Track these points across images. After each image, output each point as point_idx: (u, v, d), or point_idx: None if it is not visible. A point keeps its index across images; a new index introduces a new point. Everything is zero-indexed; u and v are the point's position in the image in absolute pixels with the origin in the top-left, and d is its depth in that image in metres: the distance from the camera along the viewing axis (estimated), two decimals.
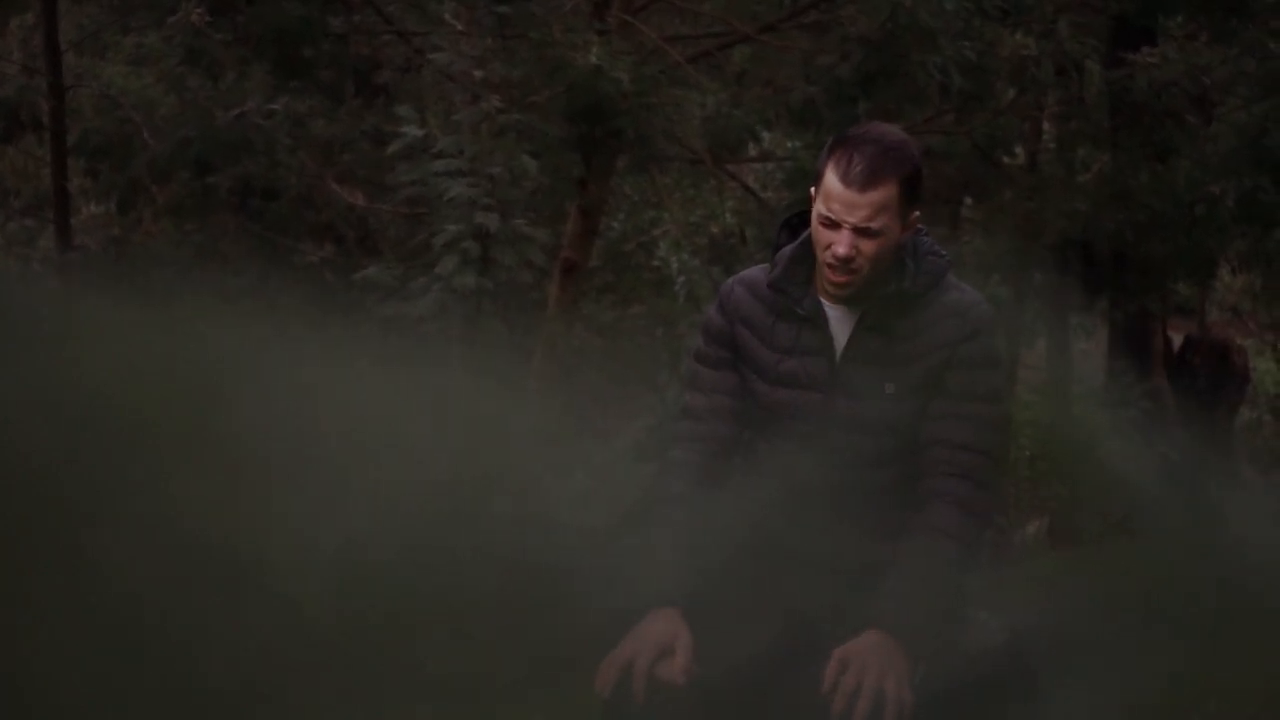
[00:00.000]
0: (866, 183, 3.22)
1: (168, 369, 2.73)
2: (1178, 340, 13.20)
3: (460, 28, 9.24)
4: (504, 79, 8.37)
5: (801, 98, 9.14)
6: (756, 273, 3.48)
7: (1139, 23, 11.06)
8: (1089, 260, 10.97)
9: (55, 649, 2.43)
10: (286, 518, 2.67)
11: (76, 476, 2.53)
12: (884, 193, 3.23)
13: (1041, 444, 13.68)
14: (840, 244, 3.25)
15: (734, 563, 3.31)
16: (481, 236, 7.30)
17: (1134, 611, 5.24)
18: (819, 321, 3.36)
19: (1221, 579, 5.18)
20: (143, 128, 10.58)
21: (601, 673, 3.18)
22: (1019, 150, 12.70)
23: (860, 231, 3.24)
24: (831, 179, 3.25)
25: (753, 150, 10.81)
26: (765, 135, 10.99)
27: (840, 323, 3.36)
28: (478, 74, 8.23)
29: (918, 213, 3.34)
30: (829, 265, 3.28)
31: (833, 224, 3.25)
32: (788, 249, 3.40)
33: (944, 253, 3.42)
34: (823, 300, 3.36)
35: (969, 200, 12.52)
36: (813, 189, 3.31)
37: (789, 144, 11.55)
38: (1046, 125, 12.82)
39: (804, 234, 3.37)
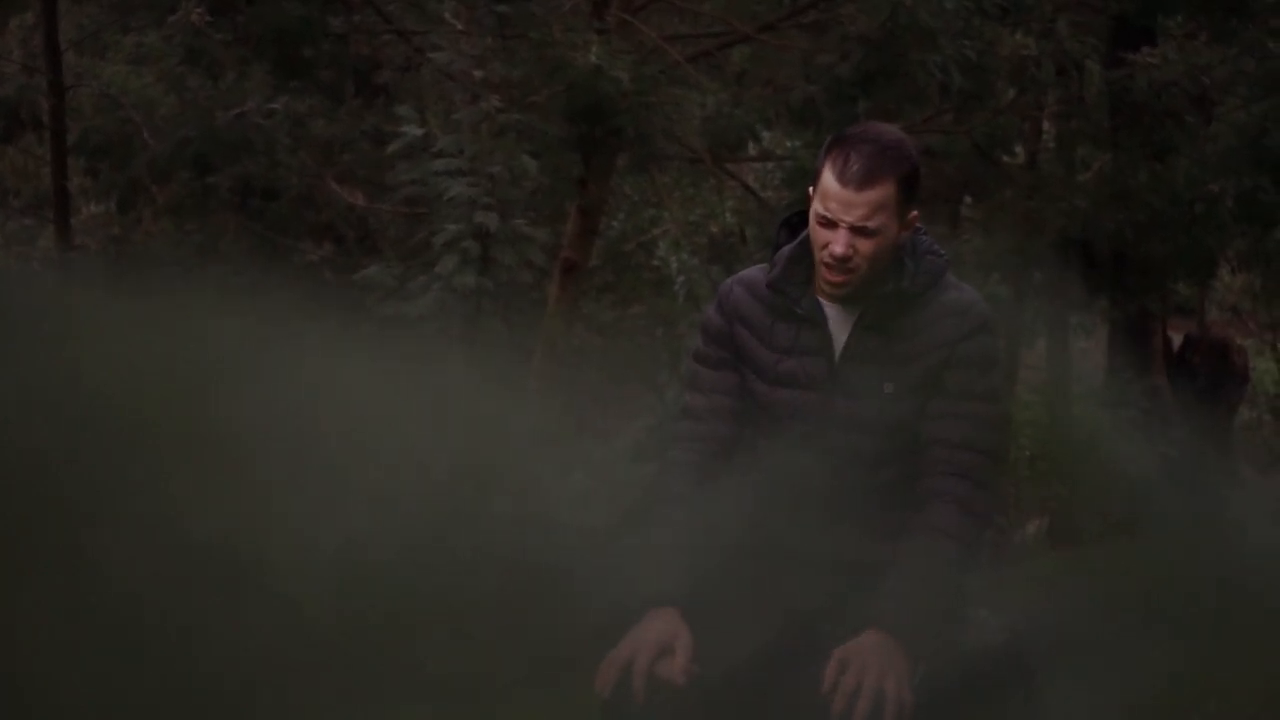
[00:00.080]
0: (863, 182, 3.22)
1: (168, 368, 2.73)
2: (1177, 340, 13.20)
3: (460, 27, 9.24)
4: (504, 78, 8.37)
5: (801, 97, 9.14)
6: (755, 273, 3.48)
7: (1139, 22, 11.05)
8: (1089, 259, 10.96)
9: (56, 647, 2.43)
10: (287, 517, 2.67)
11: (77, 475, 2.53)
12: (881, 192, 3.23)
13: (1041, 443, 13.68)
14: (837, 243, 3.25)
15: (733, 562, 3.31)
16: (481, 236, 7.30)
17: (1134, 611, 5.25)
18: (818, 321, 3.36)
19: (1221, 578, 5.18)
20: (143, 127, 10.57)
21: (601, 672, 3.18)
22: (1019, 149, 12.69)
23: (857, 231, 3.24)
24: (829, 178, 3.25)
25: (752, 149, 10.81)
26: (765, 134, 10.99)
27: (839, 322, 3.36)
28: (477, 73, 8.23)
29: (915, 212, 3.34)
30: (826, 265, 3.28)
31: (830, 223, 3.25)
32: (786, 249, 3.40)
33: (943, 252, 3.42)
34: (821, 300, 3.36)
35: (969, 199, 12.52)
36: (811, 188, 3.32)
37: (789, 143, 11.55)
38: (1046, 125, 12.82)
39: (803, 234, 3.37)
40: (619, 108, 8.44)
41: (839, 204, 3.23)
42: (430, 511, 2.96)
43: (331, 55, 10.40)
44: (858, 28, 8.84)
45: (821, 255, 3.29)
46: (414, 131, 7.77)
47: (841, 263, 3.26)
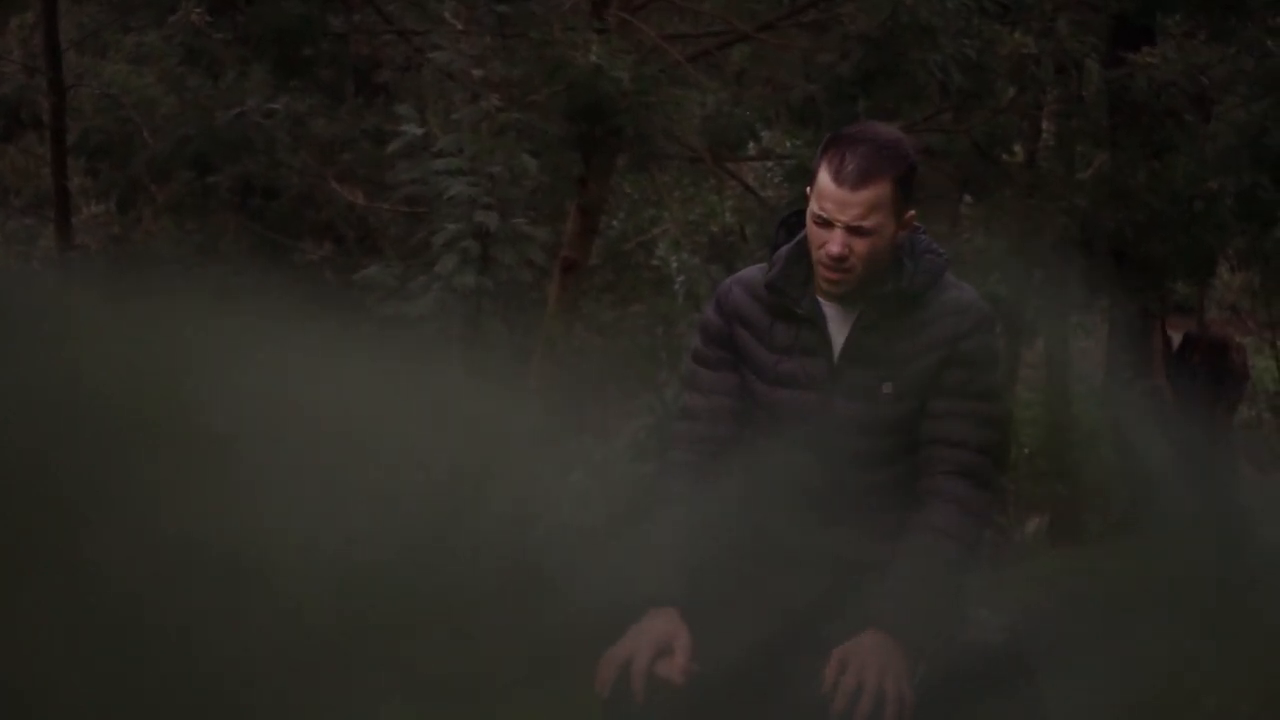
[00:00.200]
0: (859, 181, 3.22)
1: (168, 367, 2.73)
2: (1177, 338, 13.19)
3: (460, 27, 9.23)
4: (504, 78, 8.37)
5: (801, 96, 9.14)
6: (754, 272, 3.48)
7: (1138, 21, 11.05)
8: (1089, 258, 10.95)
9: (55, 647, 2.43)
10: (287, 517, 2.67)
11: (77, 475, 2.53)
12: (877, 191, 3.23)
13: (1042, 442, 13.71)
14: (833, 243, 3.25)
15: (733, 562, 3.31)
16: (481, 235, 7.29)
17: (1134, 609, 5.25)
18: (817, 321, 3.36)
19: (1221, 577, 5.19)
20: (143, 127, 10.58)
21: (600, 671, 3.18)
22: (1018, 148, 12.70)
23: (853, 230, 3.24)
24: (824, 178, 3.25)
25: (752, 149, 10.81)
26: (765, 134, 10.99)
27: (838, 322, 3.36)
28: (477, 73, 8.22)
29: (913, 212, 3.34)
30: (822, 264, 3.28)
31: (826, 223, 3.26)
32: (785, 249, 3.40)
33: (942, 251, 3.42)
34: (821, 300, 3.36)
35: (968, 198, 12.51)
36: (808, 188, 3.32)
37: (789, 142, 11.55)
38: (1046, 123, 12.82)
39: (801, 233, 3.37)
40: (619, 107, 8.44)
41: (834, 204, 3.24)
42: (430, 511, 2.96)
43: (331, 55, 10.41)
44: (858, 26, 8.84)
45: (818, 255, 3.29)
46: (414, 131, 7.77)
47: (837, 263, 3.26)
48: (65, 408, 2.57)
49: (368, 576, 2.75)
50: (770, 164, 12.66)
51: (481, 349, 7.16)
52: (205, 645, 2.53)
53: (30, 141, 13.45)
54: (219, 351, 2.82)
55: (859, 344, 3.34)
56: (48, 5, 11.04)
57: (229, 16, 9.93)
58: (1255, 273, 14.82)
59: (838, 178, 3.23)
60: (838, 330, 3.36)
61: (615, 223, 12.39)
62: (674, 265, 10.72)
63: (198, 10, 9.71)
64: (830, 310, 3.36)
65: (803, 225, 3.36)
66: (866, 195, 3.23)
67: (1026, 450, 13.77)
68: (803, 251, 3.36)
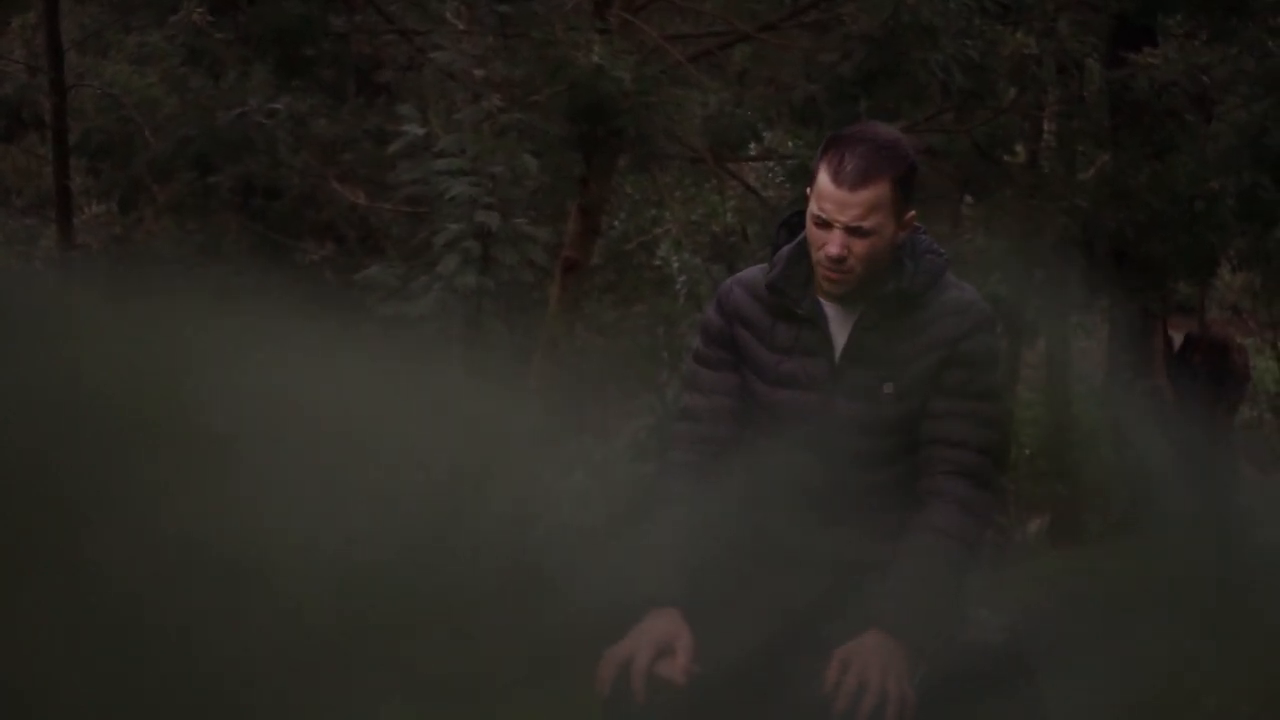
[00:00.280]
0: (858, 182, 3.22)
1: (169, 368, 2.74)
2: (1178, 339, 13.19)
3: (462, 26, 9.24)
4: (505, 78, 8.37)
5: (803, 96, 9.14)
6: (755, 273, 3.48)
7: (1139, 22, 11.05)
8: (1090, 258, 10.96)
9: (56, 647, 2.44)
10: (286, 517, 2.67)
11: (77, 475, 2.54)
12: (876, 192, 3.23)
13: (1042, 442, 13.71)
14: (832, 244, 3.25)
15: (734, 563, 3.32)
16: (483, 235, 7.30)
17: (1134, 610, 5.25)
18: (818, 322, 3.36)
19: (1221, 577, 5.19)
20: (144, 127, 10.58)
21: (600, 669, 3.19)
22: (1019, 149, 12.70)
23: (852, 231, 3.24)
24: (823, 178, 3.25)
25: (754, 149, 10.81)
26: (767, 134, 10.99)
27: (839, 322, 3.37)
28: (479, 73, 8.22)
29: (913, 212, 3.34)
30: (822, 265, 3.28)
31: (825, 224, 3.26)
32: (786, 249, 3.40)
33: (942, 251, 3.42)
34: (822, 300, 3.36)
35: (969, 198, 12.52)
36: (808, 188, 3.32)
37: (790, 143, 11.55)
38: (1047, 124, 12.82)
39: (802, 234, 3.37)
40: (620, 107, 8.44)
41: (833, 204, 3.24)
42: (430, 511, 2.96)
43: (333, 55, 10.41)
44: (859, 26, 8.84)
45: (817, 256, 3.29)
46: (415, 131, 7.77)
47: (837, 263, 3.26)
48: (66, 408, 2.57)
49: (368, 576, 2.75)
50: (772, 164, 12.67)
51: (482, 349, 7.17)
52: (205, 645, 2.54)
53: (32, 141, 13.45)
54: (220, 351, 2.83)
55: (860, 344, 3.34)
56: (49, 5, 11.04)
57: (230, 16, 9.93)
58: (1256, 273, 14.82)
59: (837, 178, 3.23)
60: (839, 330, 3.36)
61: (617, 223, 12.39)
62: (675, 265, 10.73)
63: (199, 10, 9.72)
64: (831, 310, 3.36)
65: (804, 225, 3.36)
66: (865, 196, 3.23)
67: (1027, 450, 13.78)
68: (804, 252, 3.36)
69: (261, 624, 2.58)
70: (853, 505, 3.32)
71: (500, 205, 7.34)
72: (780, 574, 3.31)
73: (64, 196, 11.22)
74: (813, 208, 3.28)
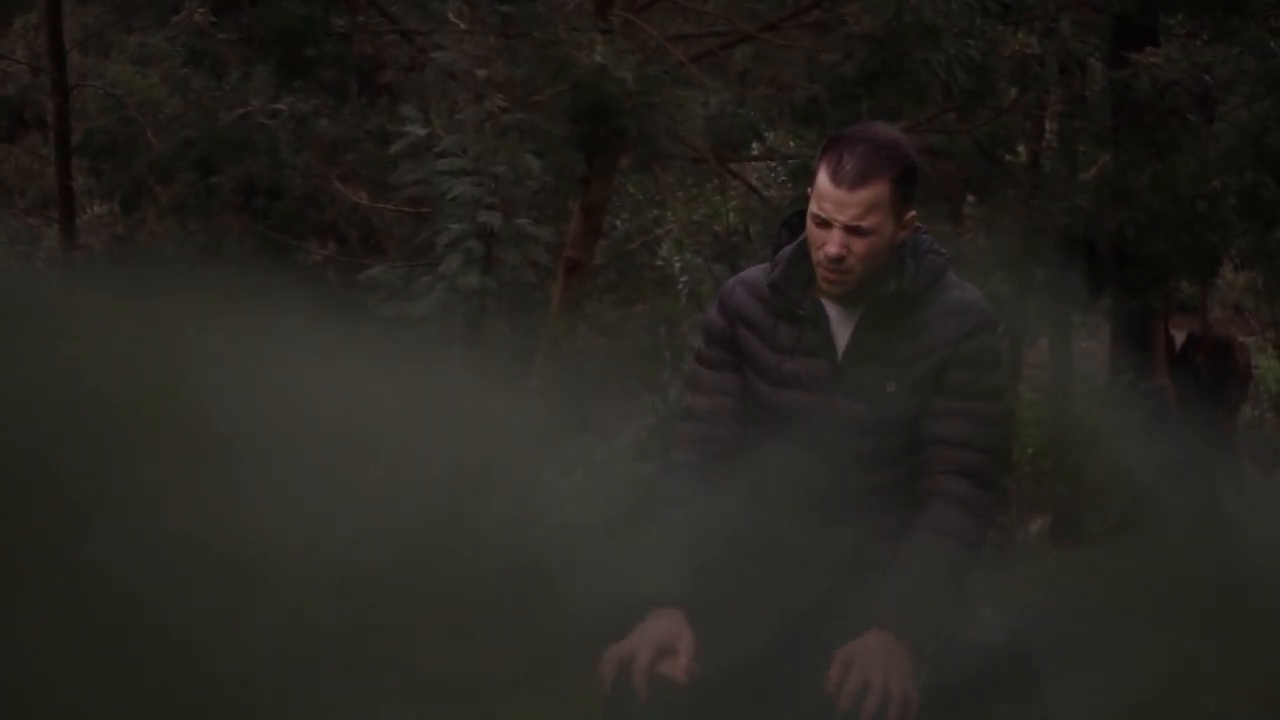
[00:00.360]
0: (856, 182, 3.22)
1: (171, 368, 2.74)
2: (1180, 338, 13.19)
3: (464, 27, 9.24)
4: (507, 78, 8.36)
5: (805, 96, 9.14)
6: (757, 273, 3.48)
7: (1140, 22, 11.05)
8: (1091, 258, 10.95)
9: (58, 647, 2.44)
10: (288, 517, 2.68)
11: (80, 475, 2.54)
12: (874, 191, 3.23)
13: (1044, 442, 13.69)
14: (831, 244, 3.25)
15: (736, 563, 3.32)
16: (485, 235, 7.30)
17: (1136, 610, 5.25)
18: (820, 322, 3.36)
19: (1223, 577, 5.19)
20: (147, 127, 10.59)
21: (602, 667, 3.19)
22: (1021, 148, 12.69)
23: (851, 230, 3.24)
24: (823, 178, 3.26)
25: (756, 149, 10.81)
26: (769, 134, 10.99)
27: (841, 323, 3.37)
28: (481, 73, 8.22)
29: (914, 213, 3.34)
30: (821, 265, 3.29)
31: (824, 223, 3.26)
32: (787, 249, 3.41)
33: (943, 251, 3.42)
34: (823, 300, 3.36)
35: (971, 198, 12.51)
36: (809, 188, 3.33)
37: (792, 142, 11.55)
38: (1049, 124, 12.81)
39: (804, 234, 3.37)
40: (623, 107, 8.44)
41: (832, 204, 3.24)
42: (431, 511, 2.97)
43: (335, 55, 10.41)
44: (861, 26, 8.84)
45: (817, 256, 3.29)
46: (417, 131, 7.77)
47: (835, 263, 3.26)
48: (68, 408, 2.57)
49: (369, 576, 2.76)
50: (774, 164, 12.66)
51: (484, 349, 7.17)
52: (207, 646, 2.54)
53: (34, 142, 13.46)
54: (222, 352, 2.83)
55: (862, 344, 3.34)
56: (52, 6, 11.04)
57: (233, 17, 9.94)
58: (1258, 272, 14.81)
59: (835, 178, 3.24)
60: (841, 330, 3.37)
61: (619, 223, 12.38)
62: (677, 265, 10.72)
63: (201, 11, 9.73)
64: (833, 311, 3.37)
65: (804, 225, 3.36)
66: (864, 195, 3.23)
67: (1029, 450, 13.75)
68: (805, 252, 3.36)
69: (263, 624, 2.58)
70: (854, 505, 3.32)
71: (502, 205, 7.34)
72: (782, 574, 3.31)
73: (66, 197, 11.22)
74: (812, 207, 3.28)
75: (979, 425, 3.32)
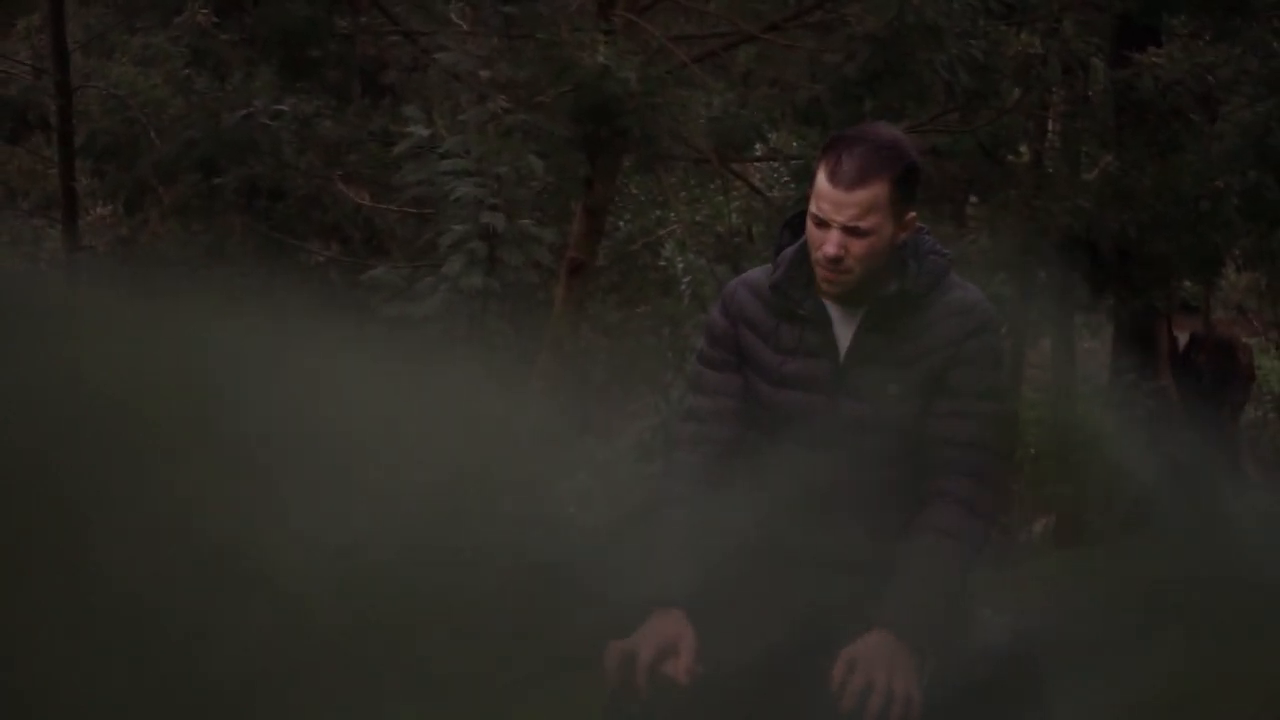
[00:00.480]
0: (854, 182, 3.22)
1: (175, 369, 2.74)
2: (1183, 339, 13.21)
3: (466, 28, 9.24)
4: (510, 79, 8.37)
5: (807, 96, 9.14)
6: (759, 274, 3.48)
7: (1143, 22, 11.06)
8: (1094, 258, 10.96)
9: (63, 647, 2.44)
10: (293, 518, 2.68)
11: (84, 476, 2.54)
12: (872, 192, 3.23)
13: (1047, 443, 13.68)
14: (829, 244, 3.25)
15: (738, 564, 3.32)
16: (488, 236, 7.30)
17: (1139, 611, 5.25)
18: (821, 323, 3.36)
19: (1226, 578, 5.19)
20: (149, 128, 10.58)
21: (605, 661, 3.19)
22: (1024, 149, 12.69)
23: (849, 231, 3.24)
24: (822, 178, 3.26)
25: (759, 149, 10.81)
26: (772, 135, 10.98)
27: (843, 323, 3.37)
28: (484, 74, 8.23)
29: (914, 213, 3.34)
30: (820, 265, 3.29)
31: (823, 223, 3.26)
32: (789, 250, 3.40)
33: (946, 251, 3.42)
34: (825, 301, 3.36)
35: (974, 198, 12.51)
36: (810, 189, 3.33)
37: (795, 143, 11.55)
38: (1051, 124, 12.82)
39: (806, 235, 3.38)
40: (625, 108, 8.44)
41: (830, 204, 3.24)
42: (434, 511, 2.97)
43: (338, 56, 10.42)
44: (864, 27, 8.84)
45: (816, 256, 3.29)
46: (420, 132, 7.78)
47: (834, 263, 3.26)
48: (72, 409, 2.58)
49: (373, 577, 2.76)
50: (777, 165, 12.66)
51: (487, 350, 7.17)
52: (215, 647, 2.54)
53: (37, 143, 13.45)
54: (225, 353, 2.83)
55: (864, 345, 3.34)
56: (54, 7, 11.05)
57: (235, 18, 9.95)
58: (1261, 273, 14.83)
59: (833, 178, 3.24)
60: (843, 331, 3.37)
61: (622, 224, 12.39)
62: (680, 266, 10.73)
63: (204, 12, 9.74)
64: (835, 311, 3.37)
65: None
66: (862, 196, 3.23)
67: (1032, 451, 13.74)
68: (807, 253, 3.36)
69: (269, 625, 2.59)
70: (857, 506, 3.32)
71: (505, 206, 7.35)
72: (785, 574, 3.31)
73: (69, 198, 11.22)
74: (811, 207, 3.28)
75: (981, 425, 3.32)
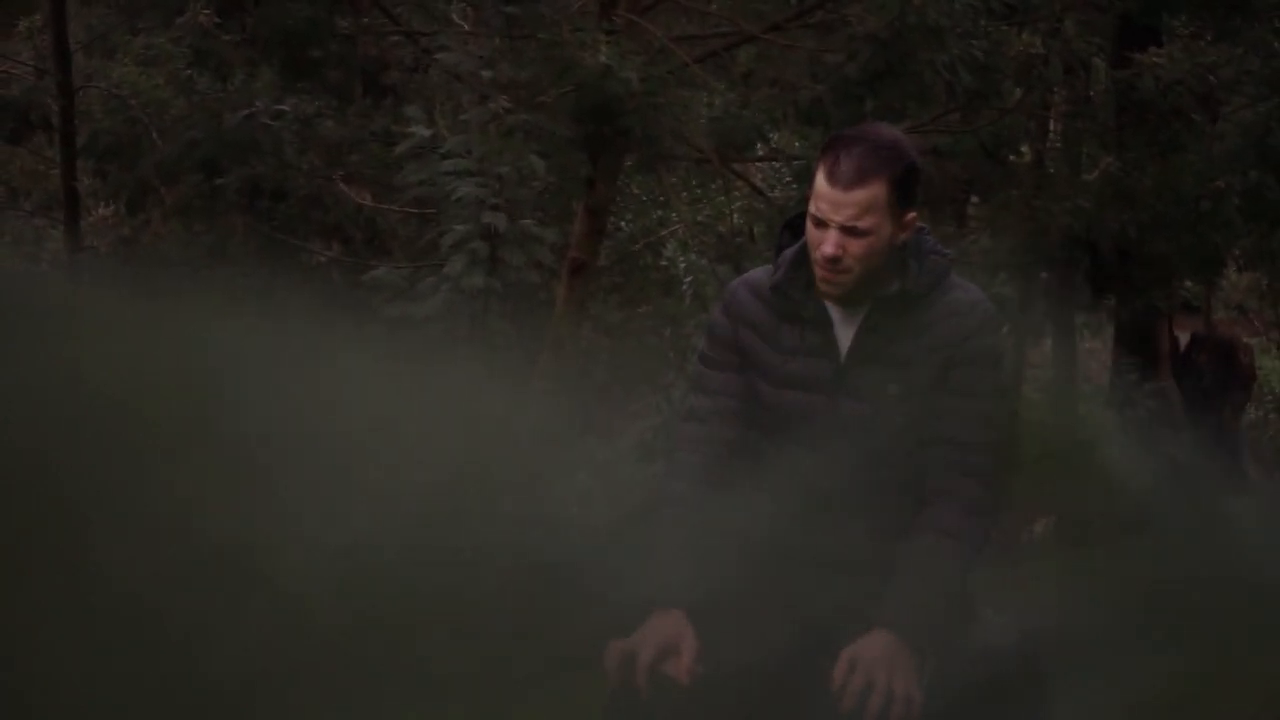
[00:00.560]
0: (852, 182, 3.22)
1: (177, 369, 2.75)
2: (1184, 339, 13.20)
3: (468, 28, 9.26)
4: (512, 79, 8.37)
5: (809, 97, 9.14)
6: (760, 274, 3.48)
7: (1144, 22, 11.06)
8: (1095, 258, 10.96)
9: (66, 648, 2.45)
10: (294, 518, 2.68)
11: (86, 476, 2.55)
12: (870, 191, 3.23)
13: (1048, 443, 13.68)
14: (827, 244, 3.25)
15: (739, 564, 3.32)
16: (489, 236, 7.30)
17: (1140, 611, 5.25)
18: (822, 323, 3.36)
19: (1228, 579, 5.19)
20: (151, 129, 10.60)
21: (606, 658, 3.19)
22: (1025, 149, 12.69)
23: (847, 231, 3.24)
24: (820, 178, 3.26)
25: (760, 149, 10.81)
26: (774, 135, 10.99)
27: (844, 324, 3.37)
28: (486, 74, 8.23)
29: (914, 214, 3.34)
30: (818, 265, 3.29)
31: (821, 223, 3.26)
32: (790, 251, 3.41)
33: (947, 252, 3.42)
34: (826, 302, 3.37)
35: (975, 199, 12.52)
36: (810, 189, 3.33)
37: (797, 143, 11.56)
38: (1053, 124, 12.82)
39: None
40: (627, 108, 8.45)
41: (828, 204, 3.24)
42: (436, 511, 2.97)
43: (339, 56, 10.42)
44: (865, 27, 8.84)
45: (814, 256, 3.30)
46: (422, 132, 7.78)
47: (832, 263, 3.26)
48: (73, 409, 2.58)
49: (374, 577, 2.77)
50: (778, 165, 12.67)
51: (489, 350, 7.18)
52: (219, 648, 2.55)
53: (39, 143, 13.46)
54: (227, 353, 2.84)
55: (865, 345, 3.34)
56: (56, 7, 11.06)
57: (237, 18, 9.97)
58: (1262, 273, 14.83)
59: (831, 178, 3.24)
60: (843, 332, 3.37)
61: (623, 224, 12.41)
62: (682, 266, 10.74)
63: (206, 12, 9.76)
64: (836, 312, 3.37)
65: None
66: (860, 195, 3.23)
67: (1033, 451, 13.74)
68: (808, 253, 3.36)
69: (270, 625, 2.59)
70: (858, 506, 3.32)
71: (507, 206, 7.35)
72: (785, 574, 3.31)
73: (71, 198, 11.24)
74: (810, 207, 3.29)
75: (982, 425, 3.32)
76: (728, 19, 10.68)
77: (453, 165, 7.46)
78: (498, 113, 7.78)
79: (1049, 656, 3.50)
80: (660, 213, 12.49)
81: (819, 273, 3.30)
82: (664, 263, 11.67)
